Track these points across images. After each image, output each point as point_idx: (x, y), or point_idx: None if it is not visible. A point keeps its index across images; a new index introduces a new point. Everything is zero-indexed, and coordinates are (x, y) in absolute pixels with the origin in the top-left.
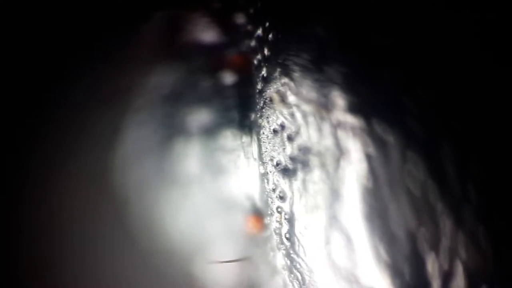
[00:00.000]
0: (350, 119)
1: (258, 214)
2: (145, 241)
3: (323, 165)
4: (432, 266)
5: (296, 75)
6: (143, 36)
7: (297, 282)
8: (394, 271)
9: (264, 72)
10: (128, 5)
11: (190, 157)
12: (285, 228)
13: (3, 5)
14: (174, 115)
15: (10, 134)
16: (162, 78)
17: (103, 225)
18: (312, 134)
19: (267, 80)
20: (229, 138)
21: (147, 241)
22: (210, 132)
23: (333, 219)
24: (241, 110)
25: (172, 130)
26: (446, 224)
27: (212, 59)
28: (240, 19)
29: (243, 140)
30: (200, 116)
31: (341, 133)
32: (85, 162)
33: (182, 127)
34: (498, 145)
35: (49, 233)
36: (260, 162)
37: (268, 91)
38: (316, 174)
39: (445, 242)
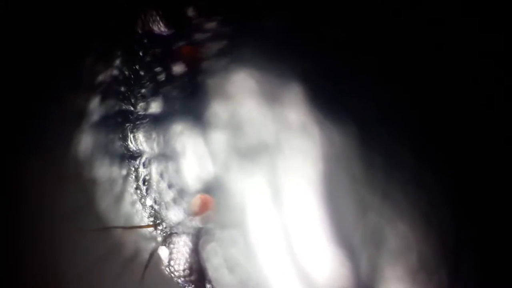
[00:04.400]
0: (308, 117)
1: (209, 195)
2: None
3: (274, 161)
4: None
5: (253, 69)
6: (100, 27)
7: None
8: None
9: (218, 65)
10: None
11: (147, 142)
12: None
13: None
14: (129, 104)
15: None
16: (118, 69)
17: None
18: (266, 130)
19: (221, 74)
20: (181, 127)
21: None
22: (164, 120)
23: (283, 213)
24: (194, 101)
25: (129, 118)
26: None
27: (164, 51)
28: (191, 12)
29: (194, 129)
30: (154, 105)
31: (297, 130)
32: (51, 147)
33: (137, 115)
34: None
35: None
36: (211, 151)
37: (222, 84)
38: (266, 169)
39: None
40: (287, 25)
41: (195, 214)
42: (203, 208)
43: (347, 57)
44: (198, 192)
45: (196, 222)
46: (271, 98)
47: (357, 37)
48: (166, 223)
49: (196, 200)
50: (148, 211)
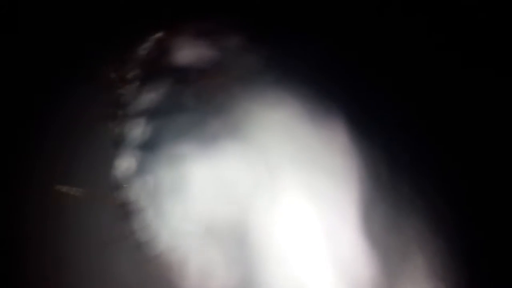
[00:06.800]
0: (347, 139)
1: None
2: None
3: (314, 176)
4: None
5: (297, 92)
6: (133, 56)
7: None
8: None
9: (255, 88)
10: (119, 28)
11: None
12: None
13: None
14: (161, 128)
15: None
16: (150, 95)
17: None
18: (308, 148)
19: (259, 97)
20: (229, 149)
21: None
22: (205, 144)
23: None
24: (237, 124)
25: (160, 140)
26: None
27: (202, 81)
28: (236, 40)
29: (241, 149)
30: (190, 130)
31: (337, 150)
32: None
33: (167, 138)
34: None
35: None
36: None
37: (261, 106)
38: (306, 182)
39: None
40: (332, 52)
41: None
42: None
43: (387, 88)
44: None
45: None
46: (314, 120)
47: (398, 72)
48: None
49: None
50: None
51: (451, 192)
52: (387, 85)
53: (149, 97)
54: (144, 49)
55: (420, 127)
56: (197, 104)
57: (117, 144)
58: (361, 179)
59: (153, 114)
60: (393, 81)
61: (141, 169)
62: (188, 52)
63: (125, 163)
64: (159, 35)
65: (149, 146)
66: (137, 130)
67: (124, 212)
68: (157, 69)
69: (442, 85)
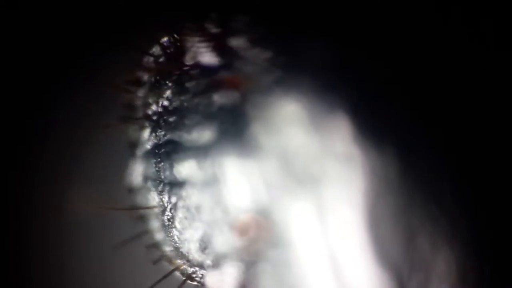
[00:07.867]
0: (354, 148)
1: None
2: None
3: (319, 190)
4: None
5: (303, 101)
6: (147, 59)
7: None
8: None
9: (267, 95)
10: (131, 29)
11: (195, 171)
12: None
13: None
14: (178, 133)
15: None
16: (168, 100)
17: None
18: (313, 160)
19: (270, 104)
20: (227, 156)
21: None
22: (211, 149)
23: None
24: (240, 131)
25: (177, 147)
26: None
27: (211, 81)
28: (242, 43)
29: (240, 159)
30: (201, 135)
31: (342, 160)
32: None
33: (185, 144)
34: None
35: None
36: (258, 181)
37: (269, 114)
38: (312, 197)
39: None
40: (342, 58)
41: (243, 235)
42: (251, 229)
43: (396, 94)
44: (246, 218)
45: (244, 246)
46: (319, 129)
47: (407, 75)
48: (214, 250)
49: (244, 221)
50: (197, 238)
51: (467, 198)
52: (397, 86)
53: (161, 101)
54: (155, 52)
55: (434, 128)
56: (207, 106)
57: (131, 147)
58: (368, 185)
59: (166, 117)
60: (404, 82)
61: (154, 173)
62: (198, 55)
63: (138, 167)
64: (169, 38)
65: (163, 150)
66: (151, 134)
67: (135, 215)
68: (168, 72)
69: (458, 86)
